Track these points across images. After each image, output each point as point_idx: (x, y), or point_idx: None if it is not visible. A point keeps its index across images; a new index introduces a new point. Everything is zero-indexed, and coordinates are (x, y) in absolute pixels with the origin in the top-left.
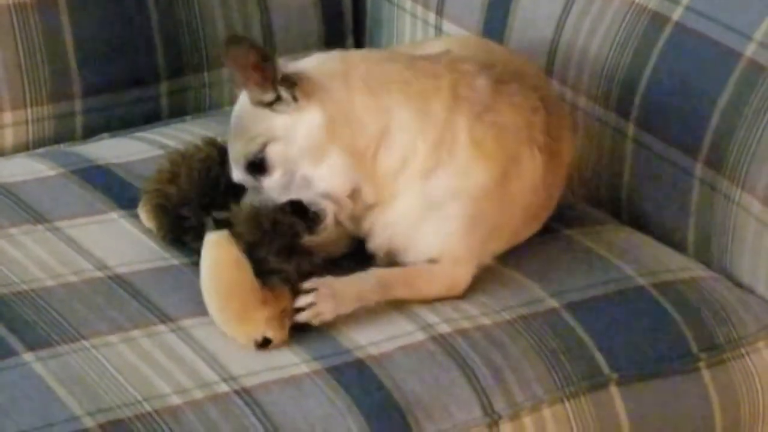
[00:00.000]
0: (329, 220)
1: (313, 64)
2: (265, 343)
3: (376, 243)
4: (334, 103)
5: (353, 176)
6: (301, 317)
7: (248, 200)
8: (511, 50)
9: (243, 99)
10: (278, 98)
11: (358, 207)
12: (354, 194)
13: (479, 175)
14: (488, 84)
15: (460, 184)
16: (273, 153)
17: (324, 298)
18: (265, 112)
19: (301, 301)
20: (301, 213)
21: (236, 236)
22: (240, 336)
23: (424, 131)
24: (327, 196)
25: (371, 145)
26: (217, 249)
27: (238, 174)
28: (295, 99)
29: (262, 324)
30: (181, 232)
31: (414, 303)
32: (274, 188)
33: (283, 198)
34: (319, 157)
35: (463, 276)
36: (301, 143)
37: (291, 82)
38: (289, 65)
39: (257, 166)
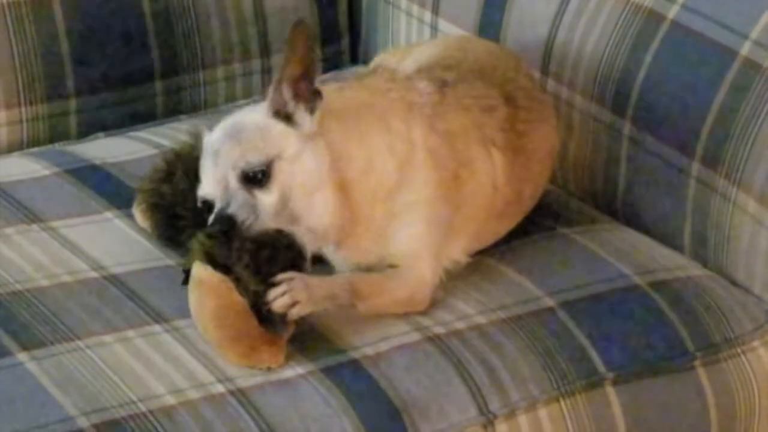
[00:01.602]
0: (309, 254)
1: None
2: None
3: (349, 263)
4: (332, 137)
5: (339, 215)
6: (277, 304)
7: (214, 227)
8: (492, 45)
9: (255, 110)
10: (296, 114)
11: (338, 237)
12: (334, 230)
13: (431, 182)
14: (432, 88)
15: (415, 191)
16: (278, 171)
17: (298, 288)
18: (281, 126)
19: (276, 290)
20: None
21: (237, 281)
22: (243, 365)
23: (392, 149)
24: (312, 230)
25: (356, 176)
26: (217, 296)
27: (217, 181)
28: (312, 116)
29: (266, 359)
30: (176, 232)
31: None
32: (269, 206)
33: (274, 222)
34: (313, 190)
35: (428, 275)
36: (304, 171)
37: (315, 104)
38: None
39: (256, 180)
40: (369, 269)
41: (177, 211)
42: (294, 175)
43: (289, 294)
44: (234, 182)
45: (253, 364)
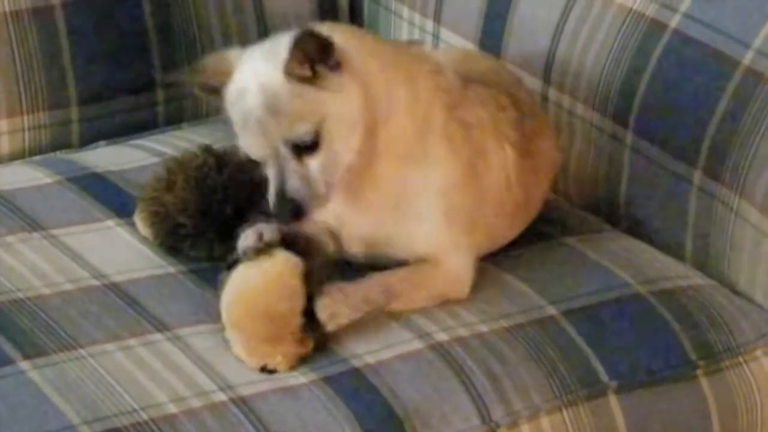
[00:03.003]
0: (327, 253)
1: (340, 35)
2: (266, 370)
3: (357, 232)
4: (364, 78)
5: (363, 141)
6: (324, 314)
7: (297, 188)
8: (493, 63)
9: (258, 81)
10: (315, 73)
11: (349, 178)
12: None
13: (449, 170)
14: (457, 77)
15: (431, 180)
16: (326, 131)
17: (338, 301)
18: (308, 90)
19: (324, 300)
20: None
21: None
22: (250, 356)
23: (412, 113)
24: (342, 166)
25: (379, 115)
26: (281, 271)
27: (266, 150)
28: (336, 74)
29: (279, 356)
30: (178, 240)
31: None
32: (318, 168)
33: (325, 177)
34: (353, 128)
35: (464, 267)
36: (347, 119)
37: (338, 61)
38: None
39: (305, 147)
40: (380, 255)
41: (178, 220)
42: (339, 131)
43: (329, 308)
44: (284, 151)
45: (262, 358)
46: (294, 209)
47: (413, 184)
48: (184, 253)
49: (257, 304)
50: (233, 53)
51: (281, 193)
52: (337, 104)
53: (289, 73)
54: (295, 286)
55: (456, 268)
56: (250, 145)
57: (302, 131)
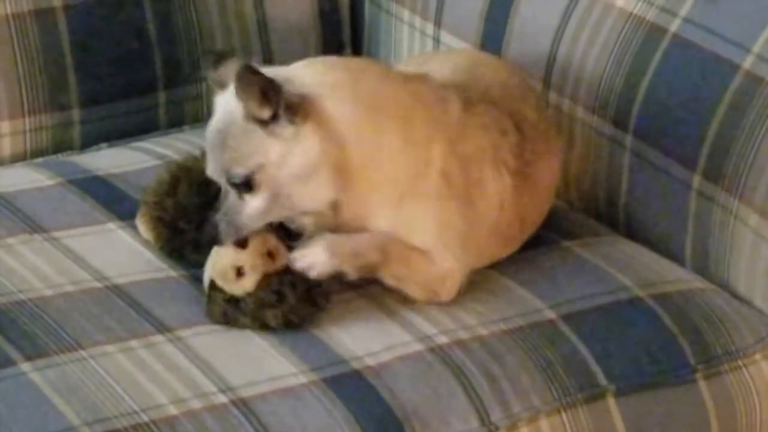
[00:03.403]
0: (308, 233)
1: (313, 75)
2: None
3: None
4: (332, 121)
5: (336, 191)
6: (298, 264)
7: (221, 212)
8: (508, 69)
9: (228, 108)
10: (274, 117)
11: (336, 219)
12: (333, 206)
13: (445, 205)
14: (459, 104)
15: (428, 216)
16: (263, 177)
17: (321, 249)
18: (258, 132)
19: (300, 252)
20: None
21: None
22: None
23: (407, 156)
24: (307, 213)
25: (361, 162)
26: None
27: (215, 173)
28: (293, 123)
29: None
30: (180, 245)
31: (403, 291)
32: (256, 208)
33: (262, 220)
34: (307, 177)
35: (455, 266)
36: (294, 169)
37: (293, 108)
38: (286, 76)
39: (243, 185)
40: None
41: (180, 225)
42: (280, 179)
43: (309, 256)
44: (225, 183)
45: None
46: (215, 233)
47: (407, 219)
48: (186, 257)
49: None
50: (234, 65)
51: (213, 217)
52: (279, 153)
53: (246, 113)
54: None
55: (446, 269)
56: (207, 161)
57: (235, 173)
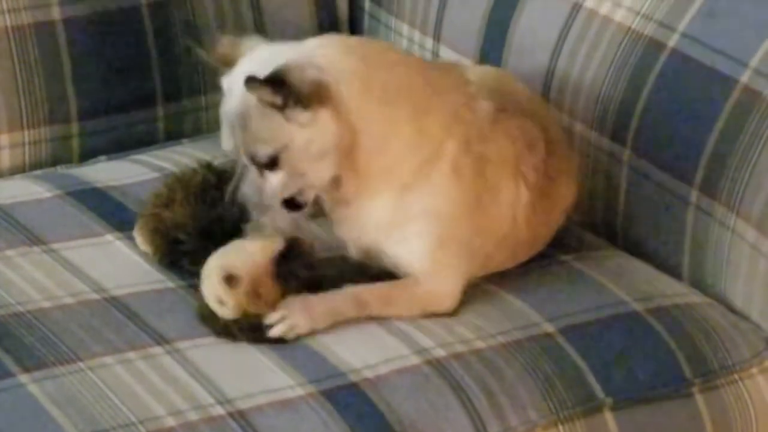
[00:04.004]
0: (310, 202)
1: (329, 59)
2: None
3: (349, 237)
4: (349, 106)
5: (338, 167)
6: (275, 331)
7: (246, 191)
8: (530, 92)
9: (244, 90)
10: (287, 105)
11: (338, 195)
12: (335, 181)
13: (451, 198)
14: (490, 109)
15: (432, 204)
16: (284, 158)
17: (297, 311)
18: (276, 116)
19: (275, 316)
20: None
21: None
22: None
23: (417, 147)
24: (313, 186)
25: (368, 147)
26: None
27: (234, 151)
28: (307, 109)
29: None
30: (177, 256)
31: (400, 320)
32: (277, 185)
33: (282, 194)
34: (321, 157)
35: (446, 292)
36: (312, 152)
37: (305, 96)
38: (300, 59)
39: (267, 164)
40: (374, 260)
41: (177, 237)
42: (301, 158)
43: (287, 320)
44: (246, 160)
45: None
46: (239, 211)
47: (411, 208)
48: (184, 269)
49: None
50: (247, 42)
51: (233, 193)
52: (303, 137)
53: (260, 98)
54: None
55: (438, 288)
56: (223, 140)
57: (261, 152)
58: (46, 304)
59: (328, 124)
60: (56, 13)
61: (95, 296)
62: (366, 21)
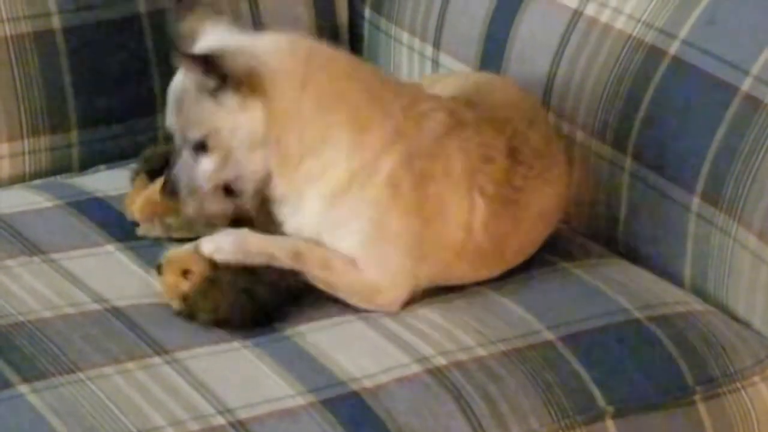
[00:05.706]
0: (249, 194)
1: (273, 53)
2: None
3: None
4: (281, 103)
5: (270, 166)
6: (204, 246)
7: (178, 173)
8: (522, 93)
9: (183, 75)
10: (220, 87)
11: (269, 191)
12: (267, 180)
13: (383, 205)
14: (442, 125)
15: (363, 209)
16: (214, 142)
17: (231, 240)
18: (208, 100)
19: (208, 237)
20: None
21: None
22: None
23: (350, 158)
24: (248, 177)
25: (300, 150)
26: None
27: (173, 132)
28: (238, 94)
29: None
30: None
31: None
32: (207, 169)
33: (213, 179)
34: (253, 146)
35: (386, 286)
36: (241, 139)
37: (238, 80)
38: (243, 47)
39: (197, 147)
40: None
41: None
42: (232, 144)
43: (217, 242)
44: (181, 141)
45: None
46: (171, 188)
47: (341, 213)
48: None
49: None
50: (212, 21)
51: (168, 171)
52: (230, 123)
53: (195, 82)
54: None
55: (378, 279)
56: (166, 116)
57: (191, 135)
58: (47, 315)
59: (257, 114)
60: (56, 23)
61: (95, 306)
62: (366, 29)
